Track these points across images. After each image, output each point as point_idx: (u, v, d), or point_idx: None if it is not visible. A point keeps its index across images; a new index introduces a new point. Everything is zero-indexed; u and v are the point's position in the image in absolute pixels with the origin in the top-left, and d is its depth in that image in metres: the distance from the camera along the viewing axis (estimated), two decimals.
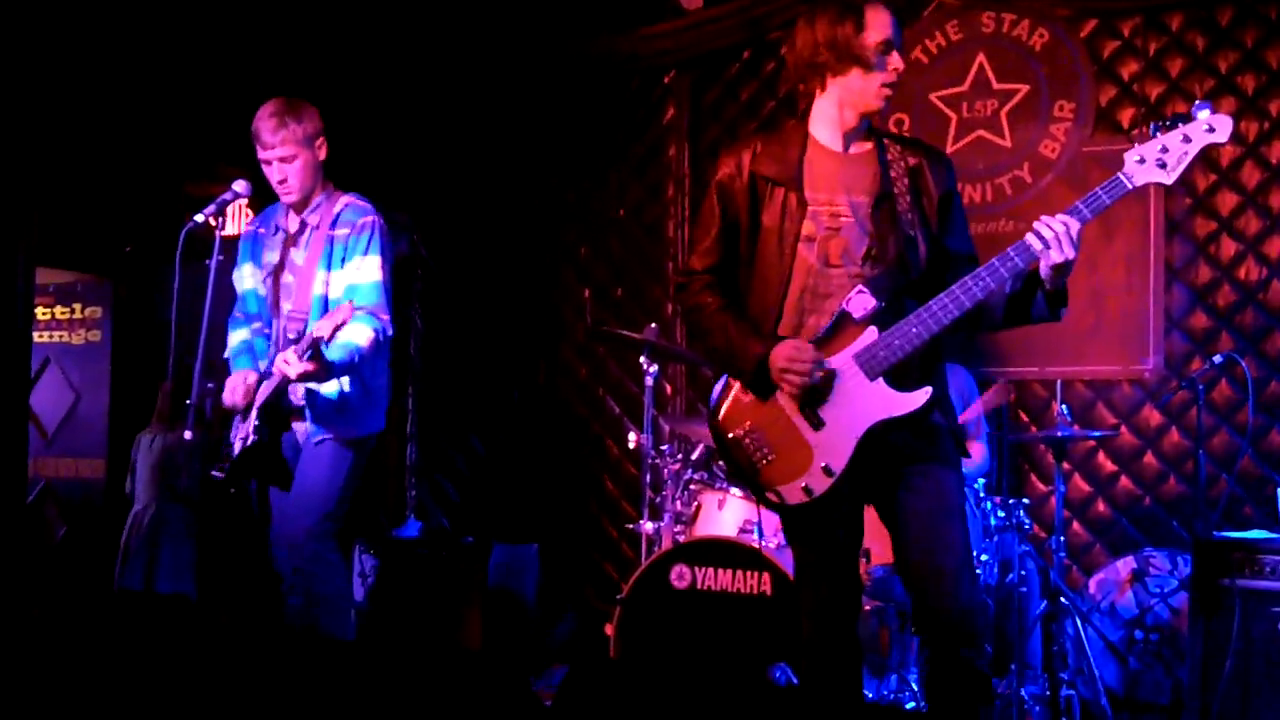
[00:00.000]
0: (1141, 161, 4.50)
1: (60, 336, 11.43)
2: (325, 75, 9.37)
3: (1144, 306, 8.21)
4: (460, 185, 10.56)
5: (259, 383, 6.28)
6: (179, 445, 9.24)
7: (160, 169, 10.13)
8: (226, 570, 8.29)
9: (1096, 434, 7.59)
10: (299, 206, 6.38)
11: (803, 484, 4.78)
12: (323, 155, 6.39)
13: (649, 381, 7.70)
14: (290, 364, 5.83)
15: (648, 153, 10.06)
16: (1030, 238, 4.50)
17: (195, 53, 9.54)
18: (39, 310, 11.07)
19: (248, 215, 9.72)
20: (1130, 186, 4.51)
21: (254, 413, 6.17)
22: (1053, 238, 4.45)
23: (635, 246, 10.08)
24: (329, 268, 6.28)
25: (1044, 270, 4.55)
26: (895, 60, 4.76)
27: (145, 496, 9.25)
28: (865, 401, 4.69)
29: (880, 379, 4.66)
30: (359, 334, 6.09)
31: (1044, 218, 4.49)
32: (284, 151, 6.23)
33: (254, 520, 6.50)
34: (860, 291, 4.68)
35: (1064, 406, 7.07)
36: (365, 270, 6.25)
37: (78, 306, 11.41)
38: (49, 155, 8.95)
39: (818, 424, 4.75)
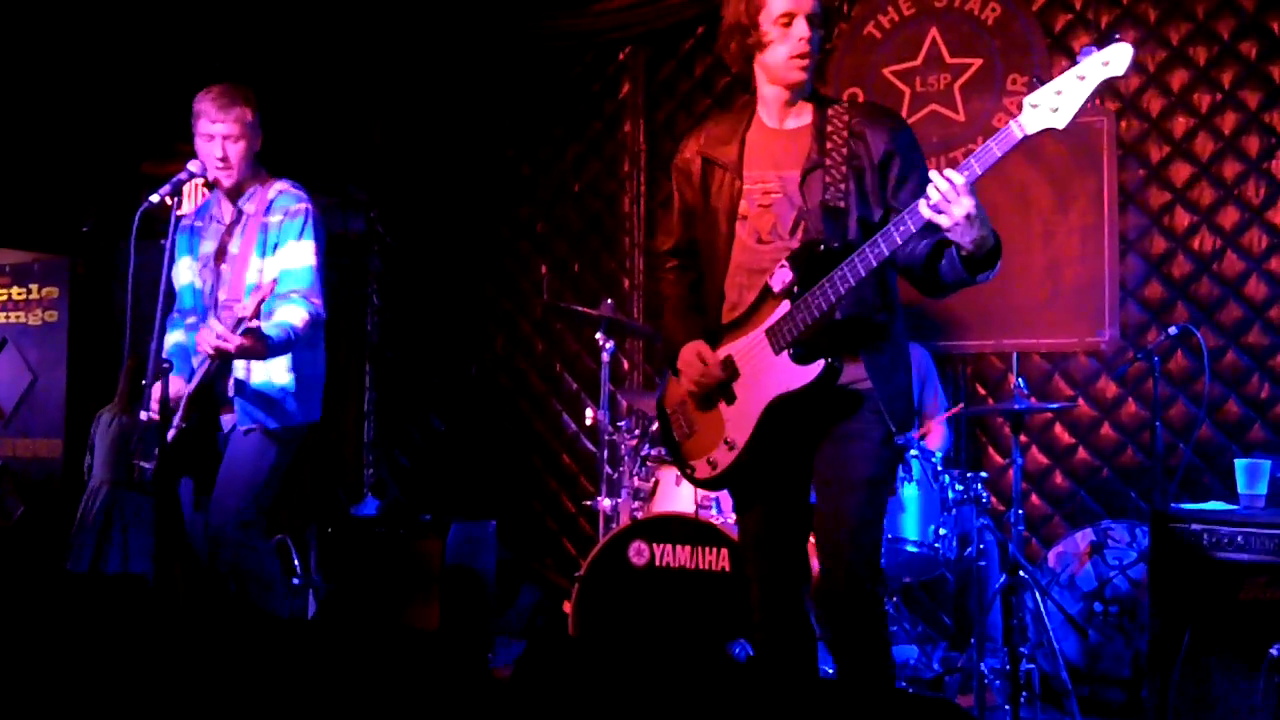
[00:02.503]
0: (1035, 107, 4.25)
1: (17, 317, 11.39)
2: (282, 53, 9.35)
3: (1099, 278, 8.22)
4: (417, 162, 10.56)
5: (190, 375, 6.25)
6: (135, 426, 9.21)
7: (117, 149, 10.10)
8: (183, 553, 8.27)
9: (1053, 406, 7.59)
10: (233, 193, 6.39)
11: (709, 458, 4.89)
12: (258, 145, 6.42)
13: (605, 357, 7.70)
14: (227, 340, 5.77)
15: (604, 128, 10.07)
16: (920, 203, 4.34)
17: (152, 32, 9.51)
18: None
19: (203, 195, 9.71)
20: (1020, 135, 4.25)
21: (182, 403, 6.14)
22: (940, 198, 4.26)
23: (592, 221, 10.08)
24: (263, 254, 6.28)
25: (946, 232, 4.38)
26: (799, 29, 4.71)
27: (100, 475, 9.20)
28: (768, 375, 4.71)
29: (785, 353, 4.65)
30: (293, 314, 6.10)
31: (933, 175, 4.30)
32: (230, 129, 6.26)
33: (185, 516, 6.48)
34: (781, 266, 4.68)
35: (1020, 379, 7.06)
36: (298, 255, 6.25)
37: (34, 287, 11.36)
38: (4, 136, 8.90)
39: (730, 399, 4.82)
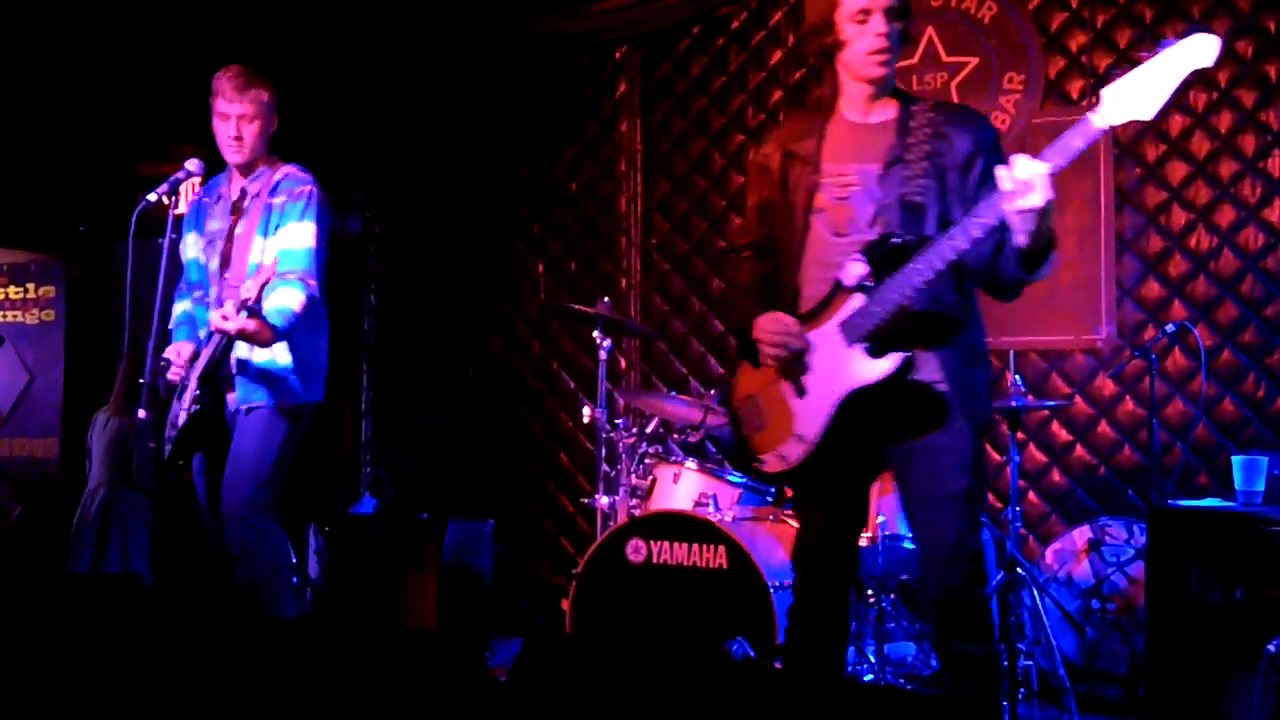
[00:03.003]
0: (1117, 99, 4.22)
1: (14, 316, 11.37)
2: (279, 53, 9.34)
3: (1096, 277, 8.22)
4: (414, 163, 10.57)
5: (194, 354, 6.30)
6: (132, 427, 9.21)
7: (114, 148, 10.09)
8: (182, 553, 8.27)
9: (1051, 404, 7.59)
10: (244, 170, 6.47)
11: (780, 452, 4.83)
12: (274, 126, 6.50)
13: (603, 355, 7.71)
14: (229, 318, 5.83)
15: (600, 128, 10.08)
16: (1000, 183, 4.26)
17: (149, 33, 9.50)
18: None
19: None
20: (1102, 125, 4.20)
21: (193, 383, 6.17)
22: (1021, 182, 4.18)
23: (588, 221, 10.09)
24: (265, 234, 6.35)
25: (1010, 218, 4.28)
26: (876, 24, 4.68)
27: (97, 477, 9.20)
28: (842, 369, 4.66)
29: (858, 346, 4.62)
30: (290, 298, 6.14)
31: (1012, 159, 4.22)
32: (245, 109, 6.36)
33: (200, 498, 6.51)
34: (855, 259, 4.64)
35: (1018, 377, 7.06)
36: (298, 236, 6.31)
37: (31, 286, 11.34)
38: (0, 136, 8.90)
39: (801, 392, 4.77)
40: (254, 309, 5.81)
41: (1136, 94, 4.21)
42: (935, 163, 4.71)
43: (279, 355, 6.30)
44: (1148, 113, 4.20)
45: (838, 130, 4.90)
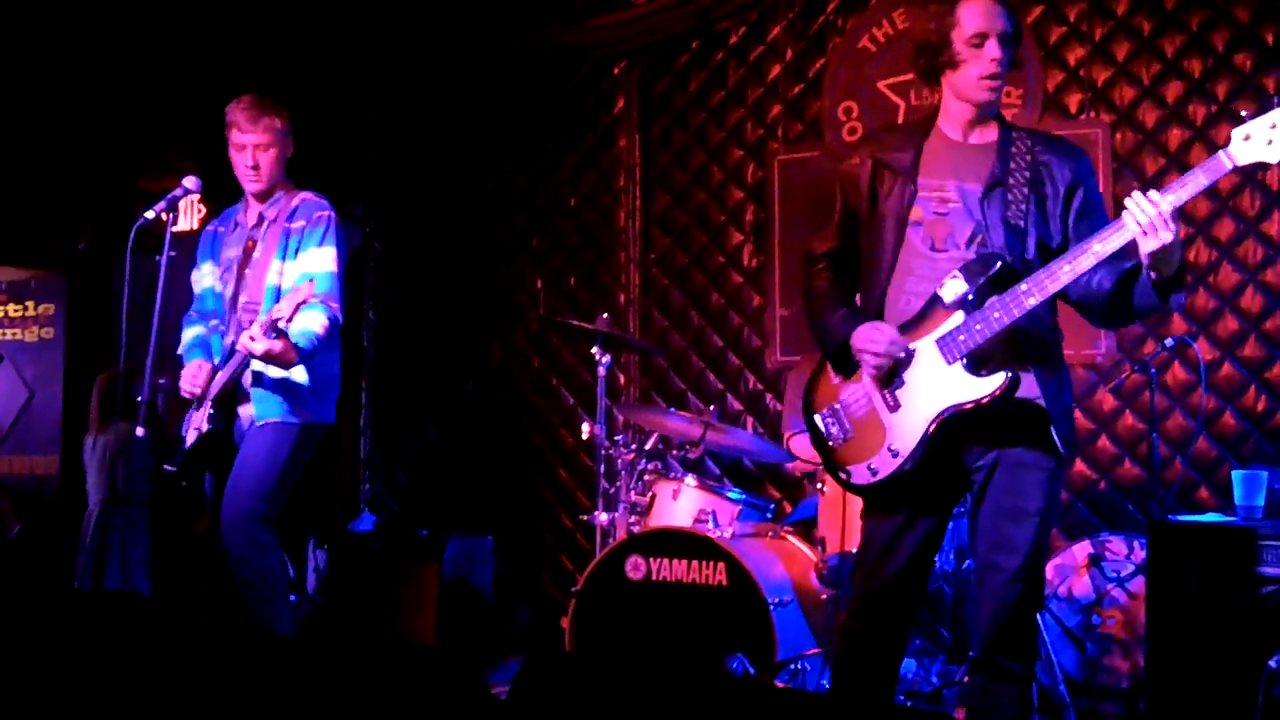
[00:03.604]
0: (1248, 139, 4.27)
1: (14, 334, 11.39)
2: (278, 67, 9.35)
3: None
4: (414, 176, 10.58)
5: (213, 373, 6.30)
6: (118, 442, 9.23)
7: (112, 165, 10.10)
8: (181, 567, 8.26)
9: None
10: (261, 197, 6.50)
11: (869, 464, 4.84)
12: (290, 151, 6.54)
13: (602, 371, 7.70)
14: (256, 339, 5.87)
15: (599, 142, 10.08)
16: (1125, 218, 4.37)
17: (147, 49, 9.51)
18: None
19: (199, 210, 9.72)
20: (1231, 165, 4.29)
21: (208, 403, 6.18)
22: (1147, 223, 4.30)
23: (588, 235, 10.09)
24: (283, 258, 6.37)
25: (1143, 256, 4.40)
26: (991, 50, 4.73)
27: (95, 497, 9.23)
28: (940, 386, 4.69)
29: (958, 364, 4.65)
30: (314, 321, 6.18)
31: (1135, 196, 4.34)
32: (261, 138, 6.40)
33: (208, 513, 6.51)
34: (954, 276, 4.67)
35: None
36: (320, 260, 6.34)
37: (31, 304, 11.37)
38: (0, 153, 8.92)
39: (894, 406, 4.79)
40: (282, 330, 5.84)
41: (1266, 137, 4.27)
42: (1036, 189, 4.76)
43: (296, 372, 6.30)
44: (1274, 156, 4.26)
45: (937, 146, 4.92)
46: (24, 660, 4.38)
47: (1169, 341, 7.23)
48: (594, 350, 7.71)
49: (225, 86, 6.74)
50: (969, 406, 4.65)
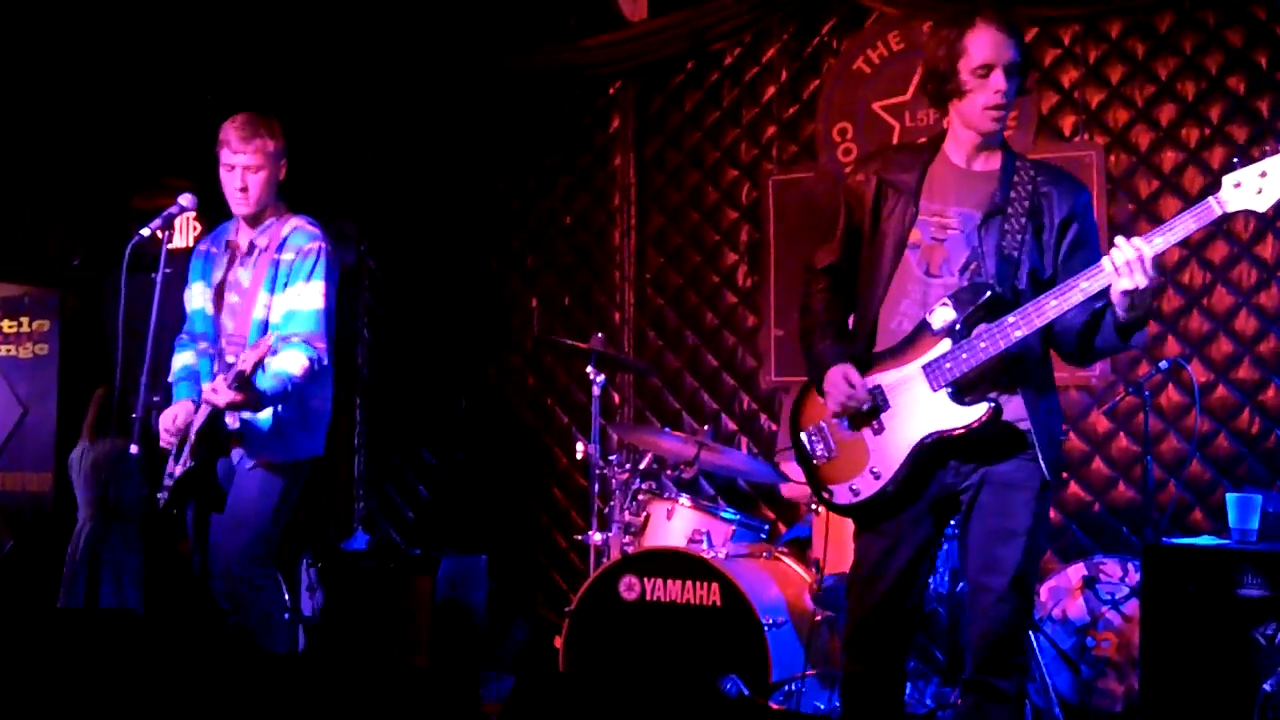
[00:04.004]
0: (1238, 186, 4.33)
1: (8, 350, 11.39)
2: (272, 86, 9.36)
3: None
4: (408, 195, 10.57)
5: (196, 408, 6.24)
6: (107, 457, 9.22)
7: (107, 182, 10.11)
8: (173, 585, 8.24)
9: None
10: (251, 221, 6.38)
11: (852, 484, 4.88)
12: (283, 175, 6.40)
13: (596, 391, 7.71)
14: (218, 393, 5.78)
15: (594, 162, 10.07)
16: (1104, 261, 4.46)
17: (141, 66, 9.52)
18: None
19: (195, 228, 9.71)
20: (1220, 212, 4.36)
21: (191, 438, 6.12)
22: (1124, 263, 4.39)
23: (582, 255, 10.08)
24: (272, 291, 6.26)
25: (1114, 295, 4.47)
26: (997, 81, 4.76)
27: (83, 513, 9.22)
28: (924, 412, 4.73)
29: (943, 391, 4.70)
30: (293, 362, 6.06)
31: (1120, 241, 4.43)
32: (251, 160, 6.25)
33: (192, 542, 6.47)
34: (944, 304, 4.70)
35: None
36: (307, 297, 6.21)
37: (25, 320, 11.36)
38: None
39: (879, 429, 4.83)
40: (245, 382, 5.76)
41: (1255, 186, 4.33)
42: (1034, 219, 4.80)
43: (279, 409, 6.21)
44: (1263, 205, 4.33)
45: (940, 171, 4.95)
46: (15, 678, 4.37)
47: (1164, 364, 7.25)
48: (588, 370, 7.72)
49: (220, 105, 6.70)
50: (951, 434, 4.70)
